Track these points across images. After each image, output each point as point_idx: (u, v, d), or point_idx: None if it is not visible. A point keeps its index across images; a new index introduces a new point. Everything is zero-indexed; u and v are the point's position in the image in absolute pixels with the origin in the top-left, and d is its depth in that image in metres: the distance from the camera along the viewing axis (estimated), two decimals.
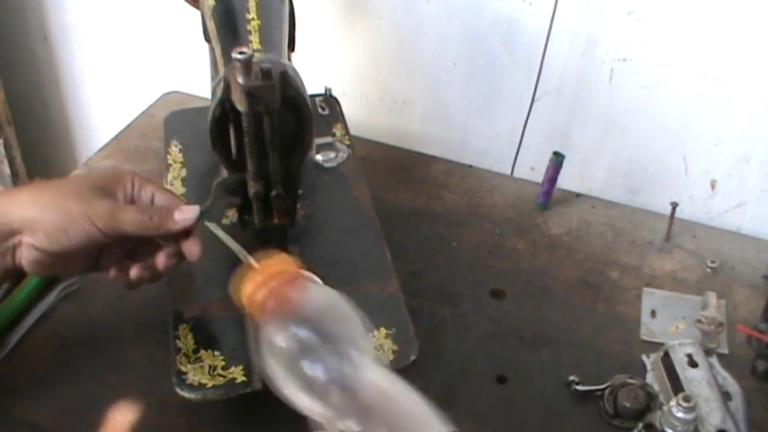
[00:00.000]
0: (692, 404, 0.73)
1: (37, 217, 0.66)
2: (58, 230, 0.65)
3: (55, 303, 0.87)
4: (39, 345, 0.83)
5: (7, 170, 1.41)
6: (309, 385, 0.52)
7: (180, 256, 0.70)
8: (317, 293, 0.59)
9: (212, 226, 0.68)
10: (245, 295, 0.59)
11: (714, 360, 0.81)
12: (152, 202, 0.70)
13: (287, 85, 0.67)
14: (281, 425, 0.78)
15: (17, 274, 0.73)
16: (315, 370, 0.52)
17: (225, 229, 0.85)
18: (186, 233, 0.69)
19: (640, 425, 0.77)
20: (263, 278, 0.59)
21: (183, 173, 0.92)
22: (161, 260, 0.70)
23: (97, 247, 0.70)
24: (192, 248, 0.69)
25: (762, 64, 0.97)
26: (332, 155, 0.95)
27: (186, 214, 0.69)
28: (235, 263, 0.82)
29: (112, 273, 0.71)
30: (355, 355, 0.52)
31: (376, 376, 0.51)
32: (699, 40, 0.98)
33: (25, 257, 0.67)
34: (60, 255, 0.67)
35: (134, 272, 0.70)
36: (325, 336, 0.53)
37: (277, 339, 0.54)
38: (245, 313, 0.60)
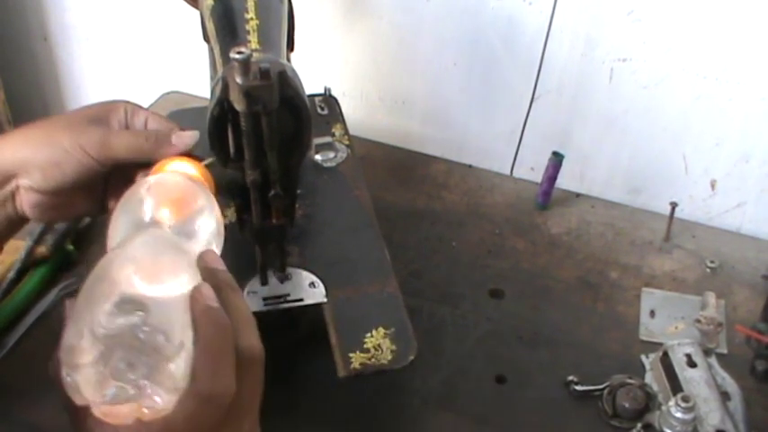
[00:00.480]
0: (690, 404, 0.73)
1: (29, 156, 0.64)
2: (51, 165, 0.64)
3: (55, 303, 0.87)
4: (39, 345, 0.83)
5: None
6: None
7: None
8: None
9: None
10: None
11: (713, 360, 0.81)
12: (145, 127, 0.69)
13: (285, 84, 0.66)
14: (279, 424, 0.78)
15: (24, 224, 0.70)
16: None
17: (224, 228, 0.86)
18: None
19: (639, 425, 0.77)
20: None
21: None
22: None
23: (98, 182, 0.68)
24: (182, 137, 0.68)
25: (762, 64, 0.97)
26: (331, 155, 0.95)
27: (184, 138, 0.67)
28: (234, 262, 0.82)
29: (112, 205, 0.68)
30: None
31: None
32: (699, 40, 0.98)
33: (26, 202, 0.66)
34: (59, 193, 0.65)
35: None
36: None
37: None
38: None
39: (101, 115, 0.68)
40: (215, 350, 0.51)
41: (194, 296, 0.52)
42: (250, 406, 0.54)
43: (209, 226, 0.59)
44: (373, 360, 0.73)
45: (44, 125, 0.67)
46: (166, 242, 0.55)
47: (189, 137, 0.67)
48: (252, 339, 0.54)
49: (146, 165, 0.67)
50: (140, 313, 0.49)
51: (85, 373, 0.48)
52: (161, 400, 0.48)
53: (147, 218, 0.58)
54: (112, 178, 0.68)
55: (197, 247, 0.58)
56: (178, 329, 0.50)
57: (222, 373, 0.50)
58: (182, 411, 0.49)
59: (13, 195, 0.66)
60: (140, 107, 0.69)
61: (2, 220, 0.67)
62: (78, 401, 0.49)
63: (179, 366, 0.49)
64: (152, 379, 0.48)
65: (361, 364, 0.73)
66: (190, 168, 0.66)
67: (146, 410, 0.48)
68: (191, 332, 0.51)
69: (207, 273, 0.55)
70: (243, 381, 0.52)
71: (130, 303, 0.50)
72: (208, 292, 0.53)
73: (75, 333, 0.50)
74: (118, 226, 0.58)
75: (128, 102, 0.70)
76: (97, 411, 0.49)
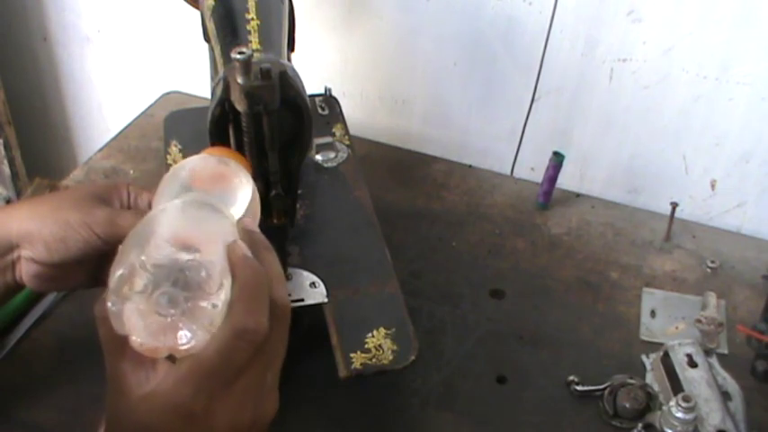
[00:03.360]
0: (691, 404, 0.73)
1: (35, 229, 0.66)
2: (56, 240, 0.66)
3: (55, 303, 0.87)
4: (39, 345, 0.83)
5: (7, 170, 1.41)
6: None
7: None
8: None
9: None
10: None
11: (714, 360, 0.81)
12: (149, 207, 0.70)
13: (286, 85, 0.66)
14: (279, 424, 0.78)
15: (19, 292, 0.72)
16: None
17: None
18: None
19: (640, 425, 0.77)
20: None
21: None
22: None
23: (96, 258, 0.70)
24: None
25: (762, 64, 0.97)
26: (332, 155, 0.95)
27: None
28: None
29: (106, 279, 0.71)
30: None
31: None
32: (699, 40, 0.98)
33: (25, 272, 0.68)
34: (60, 266, 0.67)
35: None
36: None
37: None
38: None
39: (104, 195, 0.70)
40: (251, 290, 0.53)
41: (232, 247, 0.55)
42: (276, 356, 0.56)
43: (245, 198, 0.61)
44: (374, 360, 0.73)
45: (51, 200, 0.70)
46: (210, 202, 0.59)
47: None
48: (283, 293, 0.56)
49: None
50: (186, 254, 0.52)
51: (130, 304, 0.51)
52: (196, 338, 0.51)
53: (190, 188, 0.61)
54: (110, 254, 0.70)
55: (236, 213, 0.60)
56: (219, 272, 0.53)
57: (257, 311, 0.53)
58: (214, 344, 0.51)
59: (13, 264, 0.68)
60: (143, 188, 0.72)
61: (0, 286, 0.68)
62: (119, 330, 0.52)
63: (217, 306, 0.52)
64: (191, 315, 0.51)
65: (362, 364, 0.73)
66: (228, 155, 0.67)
67: (181, 346, 0.51)
68: (229, 278, 0.53)
69: (244, 233, 0.58)
70: (272, 329, 0.54)
71: (177, 244, 0.53)
72: (245, 245, 0.56)
73: (124, 264, 0.52)
74: (162, 196, 0.61)
75: (130, 183, 0.72)
76: (135, 343, 0.51)
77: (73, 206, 0.67)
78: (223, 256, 0.54)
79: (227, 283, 0.53)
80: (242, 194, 0.62)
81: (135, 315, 0.51)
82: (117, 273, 0.52)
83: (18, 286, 0.69)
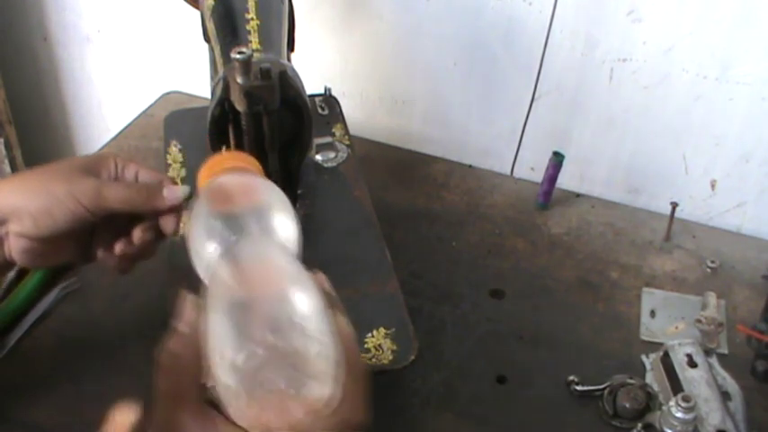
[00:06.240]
0: (691, 404, 0.73)
1: (22, 203, 0.65)
2: (43, 213, 0.65)
3: (55, 303, 0.87)
4: (39, 345, 0.83)
5: (8, 169, 1.41)
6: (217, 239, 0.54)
7: (157, 231, 0.70)
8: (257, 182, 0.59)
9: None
10: (201, 174, 0.62)
11: (714, 360, 0.81)
12: (136, 180, 0.70)
13: (286, 85, 0.67)
14: None
15: (11, 269, 0.72)
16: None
17: None
18: (172, 212, 0.69)
19: (640, 425, 0.77)
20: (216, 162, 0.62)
21: (183, 173, 0.92)
22: (137, 233, 0.69)
23: (86, 231, 0.69)
24: (168, 222, 0.69)
25: (762, 64, 0.97)
26: (332, 155, 0.95)
27: (176, 192, 0.68)
28: None
29: (100, 253, 0.70)
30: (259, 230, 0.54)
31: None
32: (699, 40, 0.98)
33: (14, 247, 0.67)
34: (49, 240, 0.67)
35: (119, 247, 0.69)
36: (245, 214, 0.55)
37: (202, 205, 0.57)
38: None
39: (92, 167, 0.69)
40: (349, 336, 0.52)
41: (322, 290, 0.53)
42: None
43: (286, 220, 0.57)
44: (374, 360, 0.73)
45: (38, 174, 0.68)
46: (268, 247, 0.54)
47: (180, 190, 0.69)
48: (359, 356, 0.54)
49: (135, 216, 0.69)
50: (270, 334, 0.48)
51: (234, 387, 0.47)
52: (317, 392, 0.48)
53: (232, 227, 0.55)
54: (99, 229, 0.70)
55: (287, 243, 0.56)
56: (312, 325, 0.49)
57: (360, 406, 0.51)
58: (341, 390, 0.49)
59: (2, 241, 0.67)
60: (130, 160, 0.71)
61: None
62: (230, 407, 0.48)
63: (324, 355, 0.48)
64: (302, 376, 0.47)
65: None
66: (246, 165, 0.63)
67: (305, 406, 0.47)
68: (325, 325, 0.49)
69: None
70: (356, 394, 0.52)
71: (259, 318, 0.48)
72: (328, 286, 0.55)
73: (217, 352, 0.48)
74: (202, 246, 0.55)
75: (117, 155, 0.71)
76: (253, 421, 0.48)
77: (59, 178, 0.66)
78: (310, 307, 0.49)
79: (324, 332, 0.49)
80: (280, 217, 0.57)
81: (243, 395, 0.47)
82: (212, 359, 0.48)
83: (8, 264, 0.69)
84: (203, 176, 0.62)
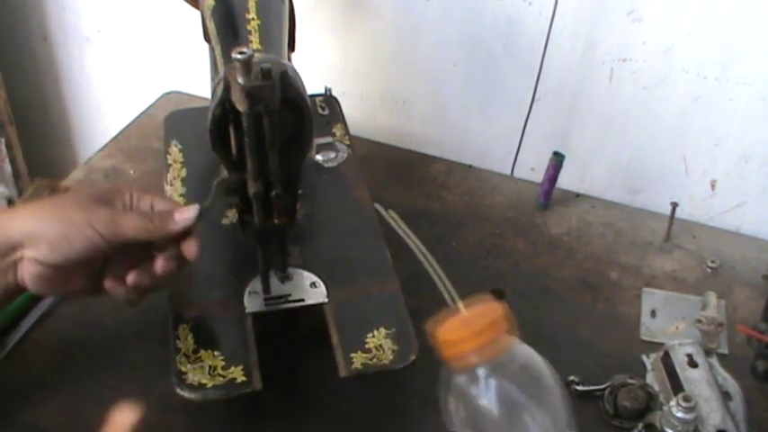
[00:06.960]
0: (691, 404, 0.72)
1: (38, 228, 0.66)
2: (60, 239, 0.66)
3: (55, 304, 0.87)
4: (39, 345, 0.83)
5: (9, 169, 1.41)
6: None
7: (179, 259, 0.70)
8: (521, 353, 0.57)
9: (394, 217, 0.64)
10: (445, 340, 0.60)
11: (714, 360, 0.81)
12: (152, 210, 0.71)
13: (287, 85, 0.66)
14: (280, 424, 0.78)
15: (21, 294, 0.72)
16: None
17: (224, 228, 0.86)
18: (186, 235, 0.70)
19: (640, 425, 0.77)
20: (469, 333, 0.59)
21: (183, 173, 0.92)
22: (160, 263, 0.70)
23: (98, 263, 0.70)
24: (189, 247, 0.70)
25: (762, 64, 0.97)
26: (332, 155, 0.95)
27: (185, 214, 0.69)
28: (235, 262, 0.82)
29: (108, 284, 0.71)
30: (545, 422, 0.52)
31: None
32: (699, 40, 0.98)
33: (27, 273, 0.67)
34: (62, 268, 0.67)
35: (131, 277, 0.70)
36: (518, 398, 0.54)
37: (471, 389, 0.57)
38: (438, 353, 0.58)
39: (107, 197, 0.70)
40: None
41: None
42: None
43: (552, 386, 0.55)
44: (375, 360, 0.73)
45: (54, 202, 0.70)
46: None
47: (190, 211, 0.70)
48: None
49: (148, 246, 0.70)
50: None
51: None
52: None
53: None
54: (112, 260, 0.71)
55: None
56: None
57: None
58: None
59: (15, 265, 0.67)
60: (145, 191, 0.72)
61: (0, 287, 0.68)
62: None
63: None
64: None
65: (362, 364, 0.73)
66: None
67: None
68: None
69: None
70: None
71: None
72: None
73: None
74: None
75: (132, 186, 0.73)
76: None
77: (76, 206, 0.67)
78: None
79: None
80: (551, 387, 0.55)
81: None
82: None
83: (19, 289, 0.69)
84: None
